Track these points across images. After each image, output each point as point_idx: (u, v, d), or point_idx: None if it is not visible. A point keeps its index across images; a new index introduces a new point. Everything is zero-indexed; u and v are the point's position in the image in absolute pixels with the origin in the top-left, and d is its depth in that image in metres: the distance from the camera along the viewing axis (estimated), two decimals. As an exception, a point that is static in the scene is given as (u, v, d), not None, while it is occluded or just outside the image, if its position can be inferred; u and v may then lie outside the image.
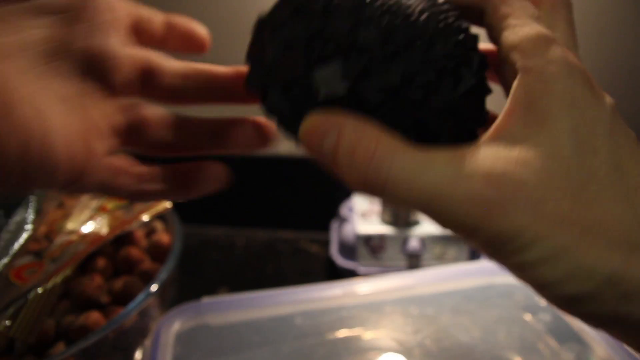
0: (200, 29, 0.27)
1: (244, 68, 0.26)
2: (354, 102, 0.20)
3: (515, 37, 0.19)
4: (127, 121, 0.23)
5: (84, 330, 0.35)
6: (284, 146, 0.74)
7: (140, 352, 0.39)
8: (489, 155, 0.17)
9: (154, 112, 0.25)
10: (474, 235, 0.18)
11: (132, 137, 0.24)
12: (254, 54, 0.23)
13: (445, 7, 0.21)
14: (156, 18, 0.25)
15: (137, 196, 0.24)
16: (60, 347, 0.35)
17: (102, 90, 0.21)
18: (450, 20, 0.21)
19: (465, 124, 0.21)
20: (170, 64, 0.25)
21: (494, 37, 0.21)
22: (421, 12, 0.20)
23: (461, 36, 0.21)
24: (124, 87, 0.22)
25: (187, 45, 0.26)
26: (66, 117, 0.19)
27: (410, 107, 0.20)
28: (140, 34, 0.24)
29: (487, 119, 0.22)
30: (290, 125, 0.21)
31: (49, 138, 0.18)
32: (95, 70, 0.21)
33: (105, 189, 0.22)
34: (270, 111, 0.22)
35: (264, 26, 0.23)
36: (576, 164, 0.17)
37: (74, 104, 0.20)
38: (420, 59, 0.20)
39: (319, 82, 0.20)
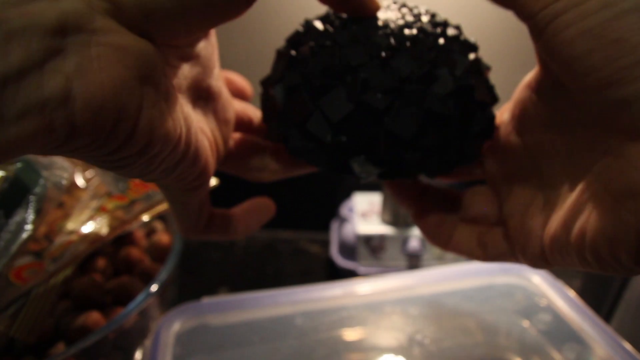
0: (246, 84, 0.31)
1: None
2: (365, 114, 0.22)
3: None
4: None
5: (84, 330, 0.35)
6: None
7: (140, 352, 0.39)
8: None
9: None
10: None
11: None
12: (266, 111, 0.26)
13: (424, 18, 0.24)
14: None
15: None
16: (60, 347, 0.35)
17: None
18: (427, 25, 0.23)
19: (472, 101, 0.23)
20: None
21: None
22: (394, 23, 0.22)
23: (441, 40, 0.23)
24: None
25: (239, 95, 0.31)
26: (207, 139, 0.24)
27: (416, 101, 0.22)
28: None
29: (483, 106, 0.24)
30: (317, 157, 0.23)
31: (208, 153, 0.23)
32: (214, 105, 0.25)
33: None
34: (295, 153, 0.24)
35: (268, 83, 0.26)
36: None
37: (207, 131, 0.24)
38: (408, 60, 0.22)
39: (328, 109, 0.22)
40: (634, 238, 0.16)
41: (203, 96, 0.24)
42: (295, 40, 0.25)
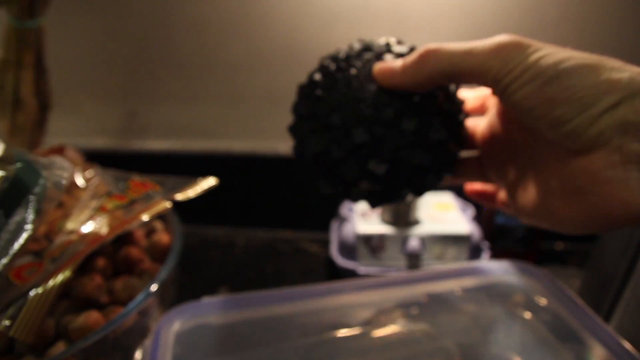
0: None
1: None
2: (370, 177, 0.30)
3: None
4: None
5: (83, 330, 0.35)
6: (284, 145, 0.74)
7: (140, 352, 0.38)
8: None
9: None
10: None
11: None
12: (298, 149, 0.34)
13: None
14: None
15: None
16: (60, 347, 0.35)
17: None
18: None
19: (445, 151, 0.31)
20: None
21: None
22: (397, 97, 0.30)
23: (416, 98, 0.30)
24: None
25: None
26: None
27: (406, 165, 0.30)
28: None
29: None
30: (341, 196, 0.33)
31: None
32: None
33: None
34: (324, 192, 0.33)
35: (297, 135, 0.34)
36: None
37: None
38: (397, 136, 0.29)
39: (346, 174, 0.31)
40: (580, 223, 0.25)
41: None
42: (307, 101, 0.33)
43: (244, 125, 0.75)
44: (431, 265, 0.55)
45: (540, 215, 0.28)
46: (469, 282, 0.41)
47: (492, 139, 0.33)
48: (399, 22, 0.65)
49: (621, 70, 0.23)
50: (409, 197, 0.32)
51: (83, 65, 0.75)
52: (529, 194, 0.29)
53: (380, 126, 0.29)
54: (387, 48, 0.31)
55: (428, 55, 0.27)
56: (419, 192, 0.32)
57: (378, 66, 0.30)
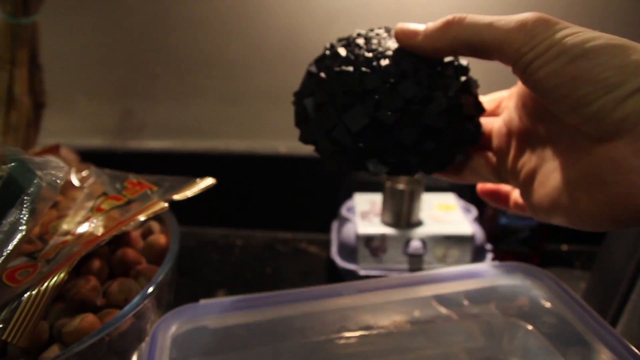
0: None
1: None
2: (376, 127, 0.29)
3: None
4: None
5: (78, 334, 0.34)
6: (284, 145, 0.74)
7: (136, 356, 0.38)
8: None
9: None
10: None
11: None
12: (299, 118, 0.33)
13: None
14: None
15: None
16: (54, 350, 0.35)
17: None
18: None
19: (461, 116, 0.30)
20: None
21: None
22: (402, 52, 0.30)
23: (438, 67, 0.30)
24: None
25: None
26: None
27: (417, 118, 0.29)
28: None
29: (473, 133, 0.32)
30: (340, 158, 0.30)
31: None
32: None
33: None
34: (323, 154, 0.31)
35: (301, 96, 0.33)
36: None
37: None
38: (411, 85, 0.29)
39: (349, 123, 0.29)
40: (600, 216, 0.24)
41: None
42: (322, 62, 0.32)
43: (242, 124, 0.75)
44: (433, 267, 0.55)
45: (558, 211, 0.27)
46: (471, 284, 0.40)
47: (508, 135, 0.32)
48: (400, 20, 0.64)
49: None
50: (416, 170, 0.31)
51: (78, 63, 0.75)
52: (546, 188, 0.28)
53: (394, 76, 0.29)
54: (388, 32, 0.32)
55: (452, 23, 0.27)
56: (430, 166, 0.31)
57: (400, 25, 0.29)
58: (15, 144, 0.56)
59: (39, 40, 0.58)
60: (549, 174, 0.28)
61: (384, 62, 0.29)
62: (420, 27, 0.29)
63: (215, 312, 0.37)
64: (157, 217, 0.44)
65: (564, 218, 0.27)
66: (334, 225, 0.65)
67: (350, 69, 0.29)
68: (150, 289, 0.37)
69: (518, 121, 0.31)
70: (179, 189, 0.43)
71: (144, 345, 0.34)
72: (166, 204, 0.40)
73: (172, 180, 0.44)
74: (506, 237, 0.60)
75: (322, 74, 0.30)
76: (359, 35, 0.31)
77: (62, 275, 0.34)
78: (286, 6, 0.66)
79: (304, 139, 0.32)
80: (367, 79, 0.28)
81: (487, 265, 0.41)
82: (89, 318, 0.36)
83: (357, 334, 0.38)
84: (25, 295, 0.33)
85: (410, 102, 0.28)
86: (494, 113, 0.35)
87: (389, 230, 0.55)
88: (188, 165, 0.77)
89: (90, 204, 0.42)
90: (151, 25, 0.71)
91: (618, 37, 0.23)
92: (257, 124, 0.74)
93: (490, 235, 0.60)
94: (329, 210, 0.68)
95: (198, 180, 0.44)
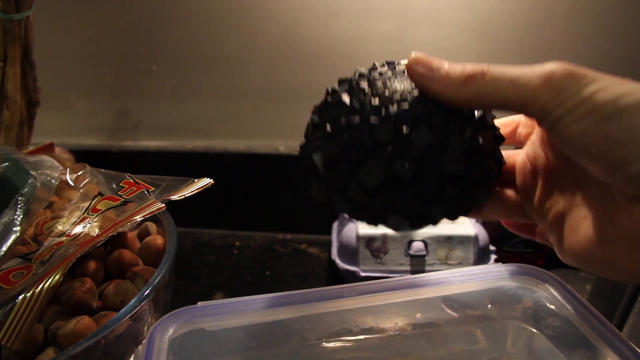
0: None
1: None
2: (393, 182, 0.27)
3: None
4: None
5: (74, 336, 0.34)
6: (283, 144, 0.74)
7: (133, 359, 0.38)
8: None
9: None
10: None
11: None
12: (309, 172, 0.30)
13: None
14: None
15: None
16: (49, 353, 0.35)
17: None
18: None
19: (481, 154, 0.28)
20: None
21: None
22: (411, 94, 0.27)
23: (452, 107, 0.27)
24: None
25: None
26: None
27: (435, 166, 0.27)
28: None
29: (494, 171, 0.29)
30: (358, 216, 0.29)
31: None
32: None
33: None
34: (340, 212, 0.32)
35: (307, 150, 0.30)
36: None
37: None
38: (425, 132, 0.26)
39: (364, 180, 0.27)
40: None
41: None
42: (325, 111, 0.29)
43: (240, 123, 0.75)
44: (435, 269, 0.54)
45: (593, 262, 0.25)
46: (475, 286, 0.40)
47: (533, 172, 0.30)
48: (402, 16, 0.64)
49: None
50: (440, 219, 0.29)
51: (72, 60, 0.74)
52: (578, 237, 0.26)
53: (407, 124, 0.26)
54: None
55: (474, 78, 0.25)
56: (452, 213, 0.29)
57: (413, 63, 0.27)
58: (9, 143, 0.56)
59: (32, 37, 0.57)
60: (580, 221, 0.26)
61: (393, 109, 0.27)
62: (437, 66, 0.26)
63: (213, 315, 0.36)
64: (153, 217, 0.44)
65: (598, 269, 0.25)
66: (335, 225, 0.64)
67: (358, 119, 0.27)
68: (147, 291, 0.36)
69: (544, 158, 0.29)
70: (176, 189, 0.43)
71: (140, 348, 0.34)
72: (163, 205, 0.40)
73: (169, 181, 0.44)
74: (510, 238, 0.60)
75: (328, 127, 0.28)
76: (361, 76, 0.29)
77: (57, 277, 0.34)
78: (285, 1, 0.65)
79: (315, 194, 0.30)
80: (377, 131, 0.26)
81: (490, 267, 0.41)
82: (85, 321, 0.35)
83: (358, 336, 0.38)
84: (20, 298, 0.33)
85: (426, 151, 0.26)
86: (511, 139, 0.33)
87: (390, 231, 0.55)
88: (185, 164, 0.77)
89: (85, 204, 0.42)
90: (146, 21, 0.70)
91: None
92: (256, 122, 0.74)
93: (494, 237, 0.60)
94: (330, 210, 0.68)
95: (195, 180, 0.44)
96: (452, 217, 0.29)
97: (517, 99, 0.24)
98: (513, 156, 0.32)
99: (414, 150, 0.26)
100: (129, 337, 0.37)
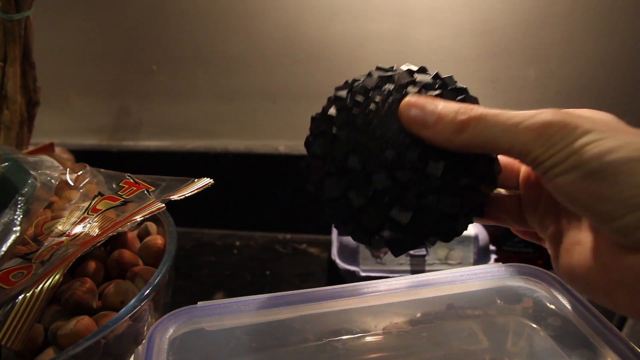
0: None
1: None
2: (391, 223, 0.28)
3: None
4: None
5: (74, 337, 0.34)
6: (283, 144, 0.74)
7: (132, 359, 0.38)
8: None
9: None
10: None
11: None
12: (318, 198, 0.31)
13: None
14: None
15: None
16: (49, 353, 0.34)
17: None
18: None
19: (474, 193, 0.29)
20: None
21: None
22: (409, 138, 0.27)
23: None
24: None
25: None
26: None
27: (432, 213, 0.28)
28: None
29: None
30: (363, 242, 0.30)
31: None
32: None
33: None
34: (344, 235, 0.32)
35: (312, 183, 0.31)
36: None
37: None
38: (424, 180, 0.27)
39: (365, 222, 0.29)
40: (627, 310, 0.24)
41: None
42: (321, 141, 0.30)
43: (240, 123, 0.74)
44: (436, 269, 0.54)
45: (582, 287, 0.26)
46: (475, 285, 0.40)
47: (537, 183, 0.30)
48: (402, 15, 0.64)
49: None
50: (434, 243, 0.30)
51: (72, 59, 0.74)
52: (571, 259, 0.26)
53: (403, 170, 0.27)
54: (410, 79, 0.29)
55: (469, 124, 0.25)
56: (446, 239, 0.30)
57: (405, 108, 0.27)
58: (9, 143, 0.56)
59: (32, 37, 0.57)
60: (576, 245, 0.26)
61: (390, 154, 0.27)
62: (431, 111, 0.26)
63: (213, 315, 0.36)
64: (153, 217, 0.44)
65: (599, 300, 0.25)
66: (334, 225, 0.64)
67: (357, 163, 0.28)
68: (147, 291, 0.36)
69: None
70: (176, 189, 0.42)
71: (140, 348, 0.34)
72: (163, 205, 0.40)
73: (169, 180, 0.44)
74: (510, 237, 0.60)
75: (328, 165, 0.29)
76: (355, 104, 0.29)
77: (57, 277, 0.34)
78: (285, 1, 0.65)
79: (328, 219, 0.31)
80: (375, 180, 0.27)
81: (490, 267, 0.41)
82: (85, 321, 0.35)
83: (359, 336, 0.38)
84: (20, 298, 0.33)
85: (422, 196, 0.27)
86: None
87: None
88: (185, 164, 0.76)
89: (85, 204, 0.42)
90: (146, 20, 0.70)
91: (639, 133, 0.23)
92: (256, 122, 0.74)
93: (494, 236, 0.60)
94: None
95: (195, 180, 0.44)
96: (446, 240, 0.30)
97: (511, 149, 0.24)
98: (516, 163, 0.32)
99: (410, 198, 0.27)
100: (129, 337, 0.37)
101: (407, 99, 0.27)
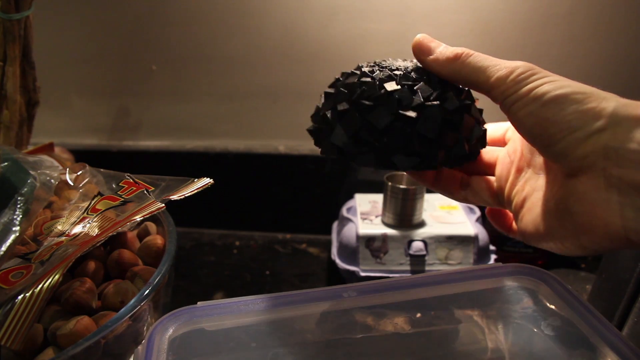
0: None
1: None
2: (400, 123, 0.32)
3: None
4: None
5: (73, 337, 0.34)
6: (283, 144, 0.74)
7: (132, 359, 0.38)
8: None
9: None
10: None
11: None
12: (320, 129, 0.35)
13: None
14: None
15: None
16: (48, 353, 0.34)
17: None
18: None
19: (471, 115, 0.34)
20: None
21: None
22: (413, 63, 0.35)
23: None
24: None
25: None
26: None
27: (436, 114, 0.32)
28: None
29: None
30: (367, 158, 0.33)
31: None
32: None
33: None
34: (350, 157, 0.33)
35: (318, 112, 0.36)
36: None
37: None
38: (426, 86, 0.33)
39: (375, 121, 0.32)
40: (570, 243, 0.28)
41: None
42: (335, 84, 0.36)
43: (240, 123, 0.74)
44: (435, 269, 0.54)
45: (538, 236, 0.31)
46: (475, 286, 0.40)
47: (510, 164, 0.36)
48: (402, 15, 0.64)
49: (609, 100, 0.26)
50: (439, 161, 0.33)
51: (72, 59, 0.74)
52: (532, 215, 0.31)
53: (411, 80, 0.32)
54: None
55: (459, 58, 0.32)
56: (451, 158, 0.33)
57: (419, 38, 0.34)
58: (8, 143, 0.56)
59: (32, 37, 0.57)
60: (536, 202, 0.32)
61: (398, 72, 0.33)
62: (435, 45, 0.33)
63: (213, 315, 0.36)
64: (153, 217, 0.44)
65: (542, 243, 0.31)
66: (335, 225, 0.64)
67: (369, 79, 0.33)
68: (147, 291, 0.36)
69: (520, 152, 0.35)
70: (175, 189, 0.42)
71: (140, 348, 0.34)
72: (163, 205, 0.40)
73: (168, 180, 0.44)
74: (510, 238, 0.60)
75: (342, 89, 0.34)
76: (364, 66, 0.35)
77: (56, 276, 0.34)
78: (285, 1, 0.65)
79: (326, 147, 0.35)
80: (387, 84, 0.32)
81: (490, 267, 0.41)
82: (84, 321, 0.35)
83: (358, 336, 0.38)
84: (19, 298, 0.33)
85: (428, 99, 0.32)
86: (501, 141, 0.38)
87: (390, 231, 0.54)
88: (185, 164, 0.76)
89: (85, 204, 0.42)
90: (146, 21, 0.70)
91: (586, 86, 0.27)
92: (256, 122, 0.74)
93: (494, 236, 0.60)
94: (329, 210, 0.67)
95: (195, 180, 0.44)
96: (449, 163, 0.34)
97: (485, 83, 0.30)
98: (496, 152, 0.38)
99: (417, 98, 0.32)
100: (128, 337, 0.37)
101: (421, 35, 0.34)
